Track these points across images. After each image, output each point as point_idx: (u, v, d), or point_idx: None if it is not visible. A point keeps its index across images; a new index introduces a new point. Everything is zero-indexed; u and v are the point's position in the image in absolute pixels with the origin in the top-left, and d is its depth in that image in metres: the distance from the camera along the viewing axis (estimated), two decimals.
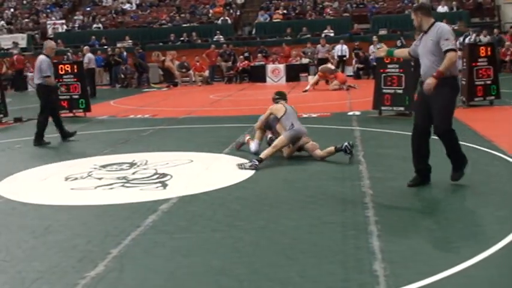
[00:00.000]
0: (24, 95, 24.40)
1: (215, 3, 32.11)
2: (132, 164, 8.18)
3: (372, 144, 9.06)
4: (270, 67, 24.65)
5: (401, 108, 11.90)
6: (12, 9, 35.23)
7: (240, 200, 6.14)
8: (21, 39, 30.50)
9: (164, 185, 6.94)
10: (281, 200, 6.08)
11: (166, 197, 6.34)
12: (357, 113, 12.79)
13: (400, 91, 11.85)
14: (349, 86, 19.36)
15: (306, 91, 18.97)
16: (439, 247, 4.58)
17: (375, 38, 23.50)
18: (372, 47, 23.43)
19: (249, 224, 5.30)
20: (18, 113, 14.72)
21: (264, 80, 24.32)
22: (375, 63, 17.14)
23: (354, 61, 24.65)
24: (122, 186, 7.02)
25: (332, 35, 26.89)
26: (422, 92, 6.23)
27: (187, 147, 9.42)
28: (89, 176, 7.61)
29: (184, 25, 29.88)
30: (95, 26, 31.14)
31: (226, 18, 30.09)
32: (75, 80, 14.70)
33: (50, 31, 31.31)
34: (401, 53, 7.03)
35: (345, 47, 24.86)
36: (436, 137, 6.23)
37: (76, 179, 7.48)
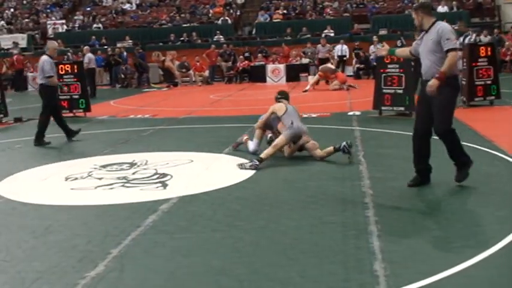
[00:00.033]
0: (24, 95, 24.42)
1: (215, 3, 32.11)
2: (132, 164, 8.18)
3: (372, 144, 9.06)
4: (270, 67, 24.66)
5: (402, 108, 11.90)
6: (12, 9, 35.24)
7: (240, 200, 6.14)
8: (21, 39, 30.51)
9: (164, 185, 6.94)
10: (281, 200, 6.07)
11: (167, 197, 6.34)
12: (357, 113, 12.79)
13: (400, 91, 11.85)
14: (349, 85, 19.37)
15: (306, 91, 18.98)
16: (439, 247, 4.58)
17: (375, 38, 23.50)
18: (372, 47, 23.44)
19: (249, 224, 5.30)
20: (18, 113, 14.74)
21: (264, 80, 24.32)
22: (375, 63, 17.15)
23: (354, 61, 24.66)
24: (122, 186, 7.02)
25: (332, 35, 26.89)
26: (423, 92, 6.22)
27: (188, 147, 9.42)
28: (89, 176, 7.61)
29: (185, 25, 29.89)
30: (95, 26, 31.15)
31: (227, 18, 30.09)
32: (75, 80, 14.71)
33: (50, 31, 31.32)
34: (402, 52, 7.01)
35: (345, 47, 24.86)
36: (437, 138, 6.23)
37: (76, 179, 7.49)
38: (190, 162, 8.27)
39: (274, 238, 4.89)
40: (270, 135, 8.63)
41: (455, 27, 22.29)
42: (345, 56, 24.86)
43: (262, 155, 7.74)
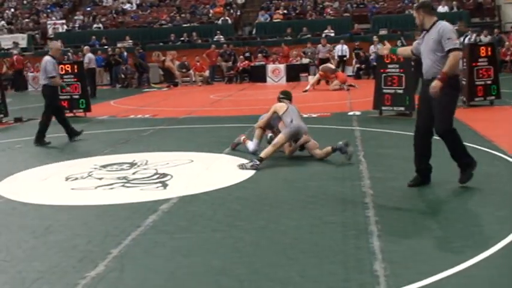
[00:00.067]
0: (24, 95, 24.45)
1: (215, 3, 32.12)
2: (132, 164, 8.18)
3: (372, 144, 9.06)
4: (270, 67, 24.67)
5: (402, 108, 11.90)
6: (12, 9, 35.25)
7: (240, 200, 6.14)
8: (22, 39, 30.54)
9: (164, 185, 6.94)
10: (281, 200, 6.08)
11: (167, 197, 6.34)
12: (357, 113, 12.79)
13: (401, 91, 11.85)
14: (350, 85, 19.38)
15: (306, 91, 18.98)
16: (439, 247, 4.58)
17: (375, 38, 23.51)
18: (372, 47, 23.46)
19: (249, 224, 5.30)
20: (18, 113, 14.74)
21: (264, 80, 24.33)
22: (375, 63, 17.16)
23: (354, 61, 24.67)
24: (122, 186, 7.03)
25: (332, 35, 26.89)
26: (424, 91, 6.21)
27: (188, 147, 9.43)
28: (89, 176, 7.61)
29: (185, 25, 29.89)
30: (95, 26, 31.16)
31: (227, 18, 30.10)
32: (76, 80, 14.71)
33: (50, 31, 31.34)
34: (404, 51, 7.00)
35: (345, 47, 24.87)
36: (437, 138, 6.22)
37: (76, 179, 7.49)
38: (191, 162, 8.27)
39: (274, 238, 4.89)
40: (270, 134, 8.63)
41: (456, 27, 22.35)
42: (345, 56, 24.86)
43: (262, 155, 7.74)
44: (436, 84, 5.87)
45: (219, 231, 5.13)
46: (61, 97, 13.61)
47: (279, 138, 7.91)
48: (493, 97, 13.22)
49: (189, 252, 4.65)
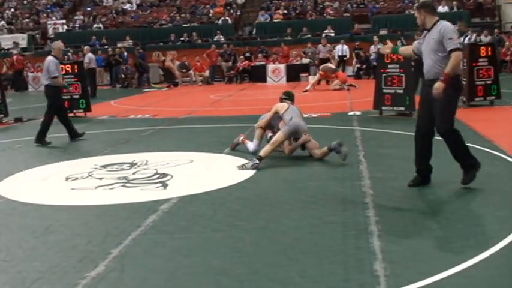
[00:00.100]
0: (24, 95, 24.45)
1: (215, 3, 32.12)
2: (132, 164, 8.19)
3: (373, 144, 9.06)
4: (270, 67, 24.67)
5: (402, 108, 11.90)
6: (12, 9, 35.26)
7: (240, 200, 6.14)
8: (22, 39, 30.55)
9: (165, 185, 6.94)
10: (281, 200, 6.08)
11: (167, 197, 6.34)
12: (358, 113, 12.79)
13: (401, 91, 11.85)
14: (350, 85, 19.39)
15: (306, 91, 18.97)
16: (439, 247, 4.58)
17: (375, 38, 23.54)
18: (372, 47, 23.47)
19: (249, 224, 5.30)
20: (18, 113, 14.74)
21: (264, 80, 24.33)
22: (375, 63, 17.16)
23: (354, 61, 24.68)
24: (123, 186, 7.03)
25: (332, 35, 26.89)
26: (425, 92, 6.21)
27: (188, 147, 9.43)
28: (90, 176, 7.61)
29: (185, 25, 29.90)
30: (95, 26, 31.16)
31: (227, 18, 30.10)
32: (76, 80, 14.70)
33: (50, 31, 31.35)
34: (406, 50, 6.98)
35: (345, 47, 24.87)
36: (439, 138, 6.22)
37: (76, 179, 7.49)
38: (191, 162, 8.27)
39: (274, 238, 4.89)
40: (270, 134, 8.63)
41: (456, 27, 22.37)
42: (345, 56, 24.86)
43: (261, 153, 7.75)
44: (438, 85, 5.85)
45: (219, 231, 5.13)
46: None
47: (277, 136, 7.92)
48: (493, 97, 13.22)
49: (189, 252, 4.65)
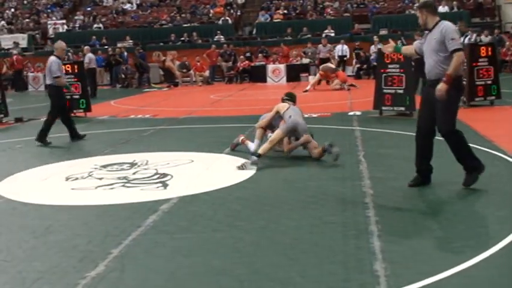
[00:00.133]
0: (24, 95, 24.44)
1: (216, 3, 32.12)
2: (132, 164, 8.19)
3: (373, 144, 9.06)
4: (270, 67, 24.67)
5: (402, 108, 11.90)
6: (12, 9, 35.26)
7: (240, 200, 6.14)
8: (22, 39, 30.55)
9: (165, 185, 6.94)
10: (282, 200, 6.08)
11: (167, 197, 6.34)
12: (358, 113, 12.79)
13: (401, 91, 11.85)
14: (351, 85, 19.39)
15: (306, 91, 18.96)
16: (439, 247, 4.58)
17: (375, 38, 23.55)
18: (372, 47, 23.47)
19: (249, 224, 5.30)
20: (18, 113, 14.74)
21: (264, 80, 24.33)
22: (375, 63, 17.16)
23: (354, 61, 24.68)
24: (123, 186, 7.03)
25: (333, 35, 26.89)
26: (426, 92, 6.19)
27: (188, 147, 9.43)
28: (90, 176, 7.61)
29: (185, 25, 29.90)
30: (95, 26, 31.17)
31: (227, 18, 30.11)
32: (76, 80, 14.69)
33: (50, 31, 31.36)
34: (408, 50, 6.97)
35: (345, 47, 24.87)
36: (441, 138, 6.21)
37: (77, 179, 7.49)
38: (191, 162, 8.27)
39: (274, 238, 4.89)
40: (270, 134, 8.63)
41: (456, 27, 22.36)
42: (346, 56, 24.86)
43: (260, 151, 7.78)
44: (441, 87, 5.83)
45: (220, 231, 5.13)
46: None
47: (276, 134, 7.95)
48: (493, 97, 13.22)
49: (189, 252, 4.65)
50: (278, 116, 8.24)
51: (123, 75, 25.03)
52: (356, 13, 29.61)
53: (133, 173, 7.64)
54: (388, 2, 30.47)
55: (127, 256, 4.58)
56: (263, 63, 25.16)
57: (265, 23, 29.62)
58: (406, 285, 3.81)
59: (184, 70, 25.22)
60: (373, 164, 7.50)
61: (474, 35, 21.07)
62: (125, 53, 25.81)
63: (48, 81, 10.75)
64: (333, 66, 21.08)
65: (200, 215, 5.65)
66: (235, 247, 4.71)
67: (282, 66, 24.61)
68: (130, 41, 28.24)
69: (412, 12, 27.85)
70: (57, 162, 8.76)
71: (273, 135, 7.98)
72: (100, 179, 7.41)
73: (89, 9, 34.16)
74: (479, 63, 13.01)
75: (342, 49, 24.78)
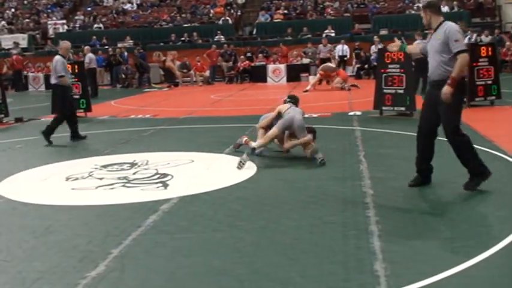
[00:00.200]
0: (24, 95, 24.44)
1: (216, 3, 32.12)
2: (133, 164, 8.19)
3: (373, 144, 9.06)
4: (270, 67, 24.67)
5: (402, 108, 11.90)
6: (13, 9, 35.26)
7: (240, 200, 6.15)
8: (22, 40, 30.56)
9: (165, 185, 6.94)
10: (282, 200, 6.08)
11: (167, 197, 6.34)
12: (358, 113, 12.79)
13: (401, 91, 11.85)
14: (352, 85, 19.39)
15: (306, 91, 18.95)
16: (439, 247, 4.58)
17: (376, 38, 23.55)
18: (373, 46, 23.47)
19: (249, 224, 5.30)
20: (19, 113, 14.74)
21: (264, 80, 24.34)
22: (375, 63, 17.16)
23: (354, 61, 24.68)
24: (123, 186, 7.03)
25: (333, 35, 26.89)
26: (429, 93, 6.18)
27: (188, 147, 9.43)
28: (90, 176, 7.61)
29: (185, 25, 29.91)
30: (95, 26, 31.17)
31: (227, 18, 30.11)
32: (76, 80, 14.67)
33: (50, 31, 31.37)
34: (413, 49, 6.94)
35: (345, 47, 24.87)
36: (441, 138, 6.20)
37: (77, 179, 7.49)
38: (191, 162, 8.27)
39: (274, 238, 4.89)
40: None
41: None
42: (346, 56, 24.87)
43: (254, 144, 7.85)
44: (446, 90, 5.79)
45: (220, 231, 5.13)
46: None
47: (272, 131, 8.00)
48: (493, 97, 13.23)
49: (189, 252, 4.65)
50: (279, 116, 8.26)
51: (123, 75, 25.03)
52: (356, 13, 29.61)
53: (134, 173, 7.64)
54: (389, 2, 30.47)
55: (127, 256, 4.58)
56: (263, 63, 25.16)
57: (266, 23, 29.62)
58: (406, 285, 3.81)
59: (185, 70, 25.23)
60: (373, 164, 7.50)
61: (474, 35, 21.09)
62: (125, 53, 25.82)
63: (53, 81, 10.78)
64: (333, 65, 21.09)
65: (200, 215, 5.66)
66: (236, 247, 4.71)
67: (282, 66, 24.61)
68: (131, 41, 28.25)
69: (413, 12, 27.89)
70: (57, 162, 8.76)
71: (269, 132, 8.02)
72: (100, 179, 7.41)
73: (89, 9, 34.17)
74: (479, 63, 13.01)
75: (342, 49, 24.78)
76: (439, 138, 6.24)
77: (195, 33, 28.50)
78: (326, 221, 5.28)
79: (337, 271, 4.11)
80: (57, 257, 4.64)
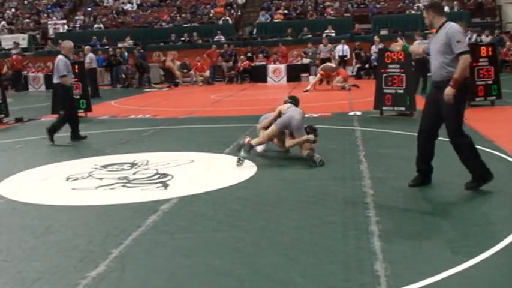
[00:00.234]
0: (24, 95, 24.43)
1: (216, 4, 32.13)
2: (133, 164, 8.19)
3: (373, 144, 9.06)
4: (271, 67, 24.67)
5: (403, 108, 11.89)
6: (13, 10, 35.27)
7: (241, 200, 6.14)
8: (22, 40, 30.56)
9: (165, 185, 6.94)
10: (282, 200, 6.08)
11: (167, 197, 6.34)
12: (358, 113, 12.79)
13: (401, 91, 11.85)
14: (353, 85, 19.39)
15: (306, 91, 18.95)
16: (439, 247, 4.58)
17: (376, 38, 23.54)
18: (373, 47, 23.46)
19: (250, 224, 5.30)
20: (19, 113, 14.74)
21: (265, 80, 24.34)
22: (375, 63, 17.16)
23: (354, 61, 24.67)
24: (123, 186, 7.03)
25: (333, 35, 26.89)
26: (432, 94, 6.18)
27: (188, 147, 9.43)
28: (90, 176, 7.61)
29: (185, 25, 29.91)
30: (96, 26, 31.18)
31: (227, 18, 30.11)
32: (76, 80, 14.64)
33: (51, 31, 31.37)
34: (416, 49, 6.91)
35: (346, 47, 24.87)
36: (442, 138, 6.20)
37: (77, 179, 7.49)
38: (191, 162, 8.27)
39: (274, 238, 4.89)
40: None
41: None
42: (346, 56, 24.86)
43: (252, 142, 7.88)
44: (449, 91, 5.79)
45: (220, 232, 5.13)
46: None
47: (270, 129, 8.01)
48: (493, 97, 13.23)
49: (189, 252, 4.65)
50: (279, 117, 8.26)
51: (123, 75, 25.03)
52: (356, 13, 29.61)
53: (134, 173, 7.64)
54: (389, 2, 30.47)
55: (127, 256, 4.58)
56: (264, 63, 25.16)
57: (266, 23, 29.62)
58: (406, 285, 3.81)
59: (185, 70, 25.23)
60: (373, 164, 7.50)
61: (474, 35, 21.08)
62: (126, 53, 25.82)
63: (55, 80, 10.78)
64: (333, 65, 21.09)
65: (200, 215, 5.66)
66: (236, 247, 4.71)
67: (282, 66, 24.61)
68: (131, 41, 28.25)
69: (413, 12, 27.89)
70: (57, 162, 8.76)
71: (267, 130, 8.03)
72: (100, 179, 7.41)
73: (89, 9, 34.17)
74: (479, 63, 13.01)
75: (342, 49, 24.78)
76: (440, 138, 6.23)
77: (195, 33, 28.51)
78: (326, 221, 5.28)
79: (337, 271, 4.11)
80: (57, 257, 4.64)
